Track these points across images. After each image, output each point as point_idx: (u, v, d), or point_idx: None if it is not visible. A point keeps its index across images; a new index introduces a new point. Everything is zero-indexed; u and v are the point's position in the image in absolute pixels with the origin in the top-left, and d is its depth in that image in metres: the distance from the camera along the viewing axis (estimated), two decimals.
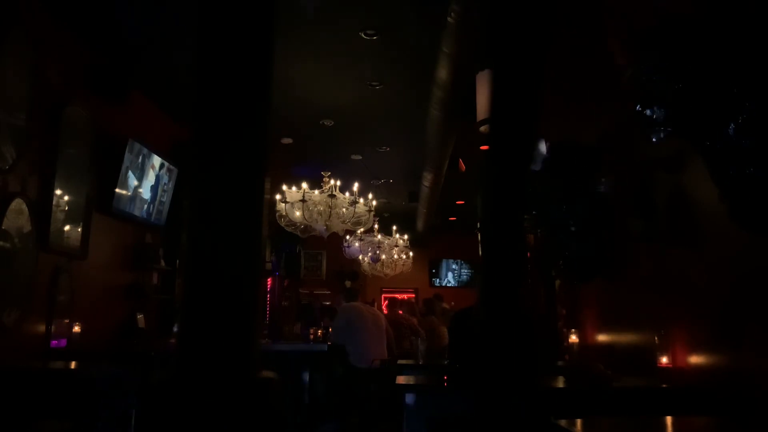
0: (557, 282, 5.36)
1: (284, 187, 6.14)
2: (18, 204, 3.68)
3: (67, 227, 4.28)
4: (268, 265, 9.91)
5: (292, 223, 6.17)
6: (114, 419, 3.16)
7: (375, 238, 8.69)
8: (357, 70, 5.18)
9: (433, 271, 12.89)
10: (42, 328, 4.03)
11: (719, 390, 2.87)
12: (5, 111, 3.55)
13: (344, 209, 6.06)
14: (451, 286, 12.67)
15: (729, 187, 2.27)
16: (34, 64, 3.78)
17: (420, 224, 9.94)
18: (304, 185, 6.02)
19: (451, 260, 12.87)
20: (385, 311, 9.54)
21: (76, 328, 4.38)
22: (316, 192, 6.07)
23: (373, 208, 6.36)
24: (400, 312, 7.62)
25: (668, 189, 3.38)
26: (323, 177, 6.17)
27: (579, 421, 2.16)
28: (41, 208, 3.95)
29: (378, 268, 9.18)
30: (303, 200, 5.94)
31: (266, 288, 10.38)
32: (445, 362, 4.75)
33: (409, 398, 3.35)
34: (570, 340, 4.93)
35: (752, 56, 2.12)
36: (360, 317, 5.74)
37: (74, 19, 4.25)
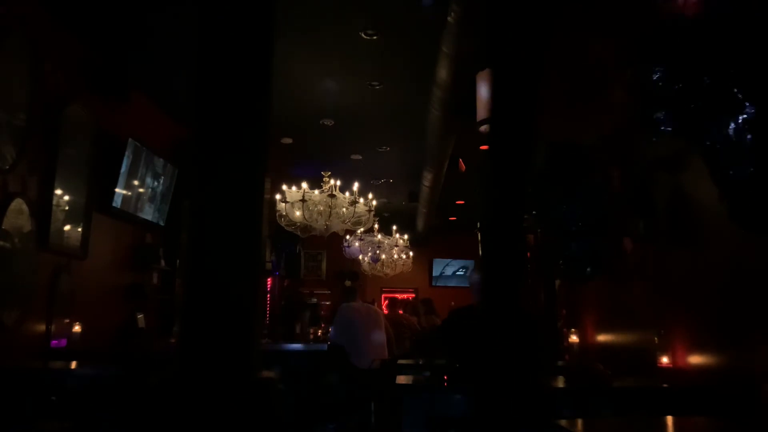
0: (557, 282, 5.36)
1: (284, 187, 6.14)
2: (18, 204, 3.68)
3: (67, 227, 4.28)
4: (268, 265, 9.91)
5: (292, 223, 6.17)
6: (114, 419, 3.16)
7: (375, 238, 8.69)
8: (357, 70, 5.18)
9: (434, 271, 12.91)
10: (42, 328, 4.02)
11: (719, 390, 2.86)
12: (5, 111, 3.54)
13: (344, 209, 6.06)
14: (451, 286, 12.66)
15: (729, 187, 2.27)
16: (34, 64, 3.77)
17: (420, 224, 9.93)
18: (304, 185, 6.02)
19: (450, 260, 12.87)
20: (385, 311, 9.54)
21: (76, 328, 4.38)
22: (316, 192, 6.07)
23: (373, 208, 6.36)
24: (401, 312, 7.62)
25: (668, 189, 3.38)
26: (323, 177, 6.16)
27: (579, 421, 2.16)
28: (41, 208, 3.95)
29: (378, 268, 9.18)
30: (303, 200, 5.93)
31: (266, 288, 10.37)
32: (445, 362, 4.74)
33: (409, 398, 3.35)
34: (570, 340, 4.93)
35: (752, 56, 2.12)
36: (359, 317, 5.74)
37: (74, 19, 4.25)
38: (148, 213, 5.52)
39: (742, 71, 2.14)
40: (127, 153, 4.97)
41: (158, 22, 4.34)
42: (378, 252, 8.80)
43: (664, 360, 3.39)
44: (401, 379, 3.59)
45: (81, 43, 4.49)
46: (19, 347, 3.77)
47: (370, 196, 6.44)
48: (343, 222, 6.16)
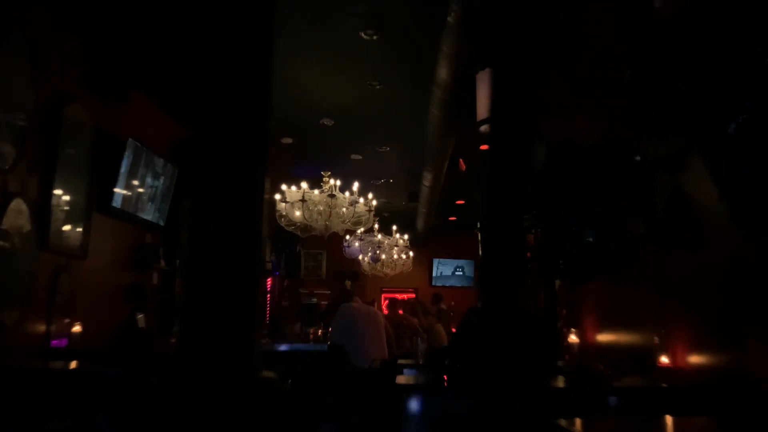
0: (557, 282, 5.36)
1: (284, 187, 6.14)
2: (18, 204, 3.68)
3: (67, 227, 4.28)
4: (268, 265, 9.91)
5: (292, 222, 6.17)
6: (114, 419, 3.16)
7: (375, 238, 8.69)
8: (357, 70, 5.18)
9: (434, 271, 12.93)
10: (42, 328, 4.02)
11: (719, 390, 2.87)
12: (5, 111, 3.54)
13: (344, 209, 6.06)
14: (449, 286, 12.67)
15: (729, 187, 2.27)
16: (34, 64, 3.77)
17: (420, 224, 9.93)
18: (304, 185, 6.02)
19: (441, 259, 12.89)
20: (385, 311, 9.53)
21: (76, 328, 4.38)
22: (316, 192, 6.07)
23: (373, 208, 6.36)
24: (401, 312, 7.62)
25: (668, 189, 3.38)
26: (323, 177, 6.17)
27: (579, 421, 2.16)
28: (41, 208, 3.95)
29: (378, 268, 9.18)
30: (303, 200, 5.93)
31: (266, 288, 10.37)
32: (446, 362, 4.75)
33: (409, 398, 3.35)
34: (570, 340, 4.93)
35: (752, 56, 2.12)
36: (359, 317, 5.74)
37: (74, 19, 4.25)
38: (148, 213, 5.52)
39: (743, 71, 2.14)
40: (127, 153, 4.97)
41: (158, 21, 4.34)
42: (378, 252, 8.80)
43: (664, 360, 3.39)
44: (401, 379, 3.59)
45: (81, 43, 4.49)
46: (19, 347, 3.77)
47: (370, 196, 6.44)
48: (343, 222, 6.16)
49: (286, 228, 6.31)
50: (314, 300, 10.77)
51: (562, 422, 2.07)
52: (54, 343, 4.12)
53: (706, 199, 2.85)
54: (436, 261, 12.87)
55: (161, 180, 5.69)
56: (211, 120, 0.98)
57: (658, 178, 3.49)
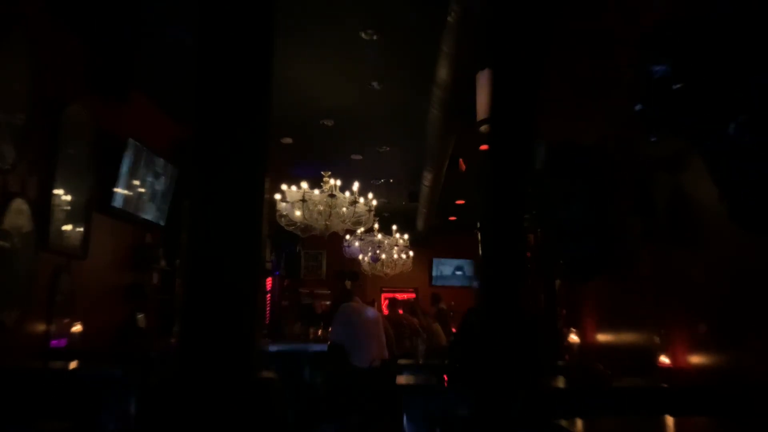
0: (557, 282, 5.36)
1: (284, 187, 6.14)
2: (18, 204, 3.68)
3: (67, 227, 4.28)
4: (268, 265, 9.91)
5: (292, 222, 6.17)
6: (114, 419, 3.16)
7: (375, 238, 8.69)
8: (357, 70, 5.18)
9: (434, 271, 12.93)
10: (42, 328, 4.02)
11: (719, 390, 2.86)
12: (5, 111, 3.54)
13: (344, 209, 6.06)
14: (449, 286, 12.67)
15: (729, 187, 2.27)
16: (34, 64, 3.77)
17: (420, 224, 9.93)
18: (304, 185, 6.02)
19: (441, 259, 12.89)
20: (385, 311, 9.53)
21: (76, 328, 4.38)
22: (316, 192, 6.07)
23: (373, 208, 6.36)
24: (401, 312, 7.62)
25: (668, 189, 3.38)
26: (323, 177, 6.17)
27: (579, 421, 2.16)
28: (41, 208, 3.95)
29: (378, 267, 9.18)
30: (303, 200, 5.94)
31: (266, 288, 10.37)
32: (445, 362, 4.74)
33: (409, 398, 3.35)
34: (570, 340, 4.93)
35: (753, 56, 2.12)
36: (359, 317, 5.74)
37: (74, 19, 4.25)
38: (148, 213, 5.52)
39: (743, 71, 2.14)
40: (127, 153, 4.97)
41: (158, 22, 4.34)
42: (378, 252, 8.80)
43: (664, 360, 3.39)
44: (401, 379, 3.59)
45: (81, 43, 4.49)
46: (19, 347, 3.77)
47: (370, 196, 6.44)
48: (343, 222, 6.16)
49: (286, 228, 6.32)
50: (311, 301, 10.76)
51: (562, 422, 2.07)
52: (54, 343, 4.12)
53: (706, 199, 2.85)
54: (436, 261, 12.87)
55: (161, 180, 5.68)
56: (211, 120, 0.98)
57: (658, 178, 3.48)
